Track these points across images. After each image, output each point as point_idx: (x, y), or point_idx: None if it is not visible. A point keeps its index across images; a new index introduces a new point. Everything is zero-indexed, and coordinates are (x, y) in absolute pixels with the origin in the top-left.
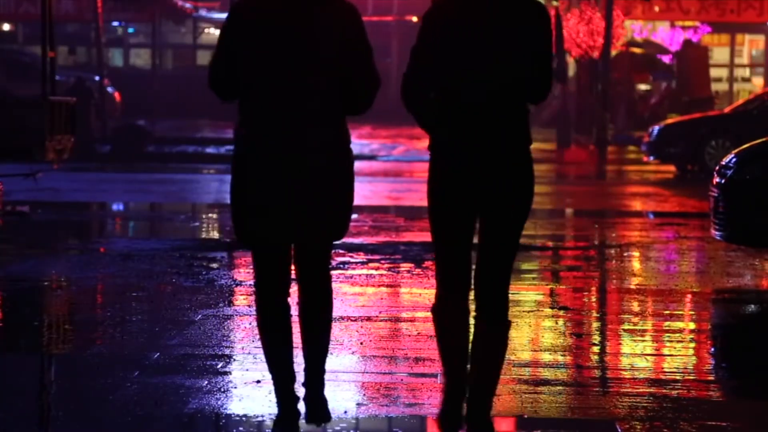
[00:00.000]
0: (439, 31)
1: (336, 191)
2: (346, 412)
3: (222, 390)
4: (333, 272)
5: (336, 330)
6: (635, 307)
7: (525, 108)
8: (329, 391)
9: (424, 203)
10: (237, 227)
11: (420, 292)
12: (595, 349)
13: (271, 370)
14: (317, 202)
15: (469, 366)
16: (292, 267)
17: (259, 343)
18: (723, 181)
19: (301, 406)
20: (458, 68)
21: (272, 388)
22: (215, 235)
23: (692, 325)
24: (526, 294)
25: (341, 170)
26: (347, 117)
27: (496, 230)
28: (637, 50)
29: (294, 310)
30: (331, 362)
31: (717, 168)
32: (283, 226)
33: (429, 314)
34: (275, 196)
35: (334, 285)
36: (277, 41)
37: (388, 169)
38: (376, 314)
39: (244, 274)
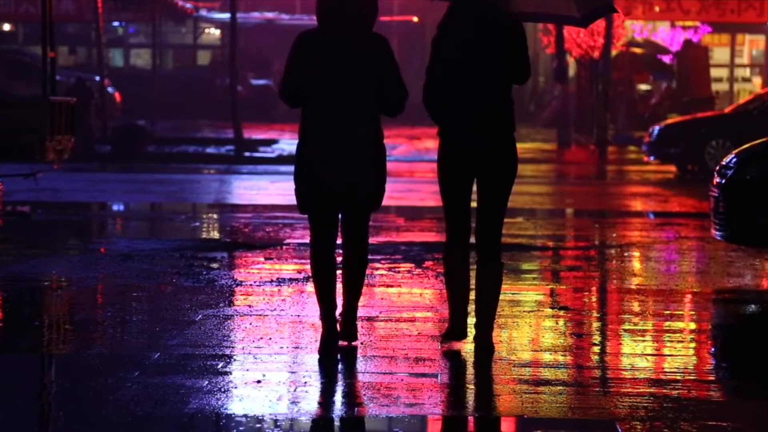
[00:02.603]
0: (444, 52)
1: (373, 171)
2: (346, 412)
3: (222, 390)
4: None
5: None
6: (635, 307)
7: (510, 100)
8: (329, 390)
9: (425, 203)
10: (298, 199)
11: (420, 292)
12: (596, 349)
13: (321, 303)
14: (359, 180)
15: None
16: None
17: (259, 343)
18: (723, 181)
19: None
20: (460, 78)
21: (272, 387)
22: (215, 235)
23: (692, 325)
24: (527, 294)
25: (377, 156)
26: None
27: (489, 191)
28: (637, 50)
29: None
30: (332, 363)
31: (717, 168)
32: (334, 198)
33: (429, 314)
34: (328, 175)
35: None
36: (331, 64)
37: (388, 170)
38: (376, 314)
39: (245, 274)
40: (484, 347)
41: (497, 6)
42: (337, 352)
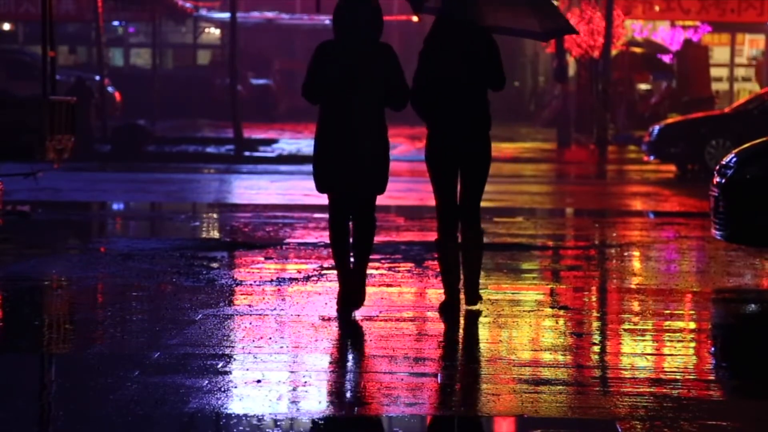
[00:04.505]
0: (430, 62)
1: (378, 159)
2: (346, 411)
3: (222, 389)
4: (332, 272)
5: (336, 330)
6: (635, 306)
7: (486, 101)
8: (329, 390)
9: (425, 203)
10: (316, 181)
11: (420, 292)
12: (596, 348)
13: (337, 266)
14: (366, 167)
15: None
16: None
17: (259, 343)
18: (723, 180)
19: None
20: (449, 88)
21: (272, 387)
22: (215, 234)
23: (692, 325)
24: (527, 294)
25: (382, 146)
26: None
27: (473, 179)
28: (637, 50)
29: None
30: (332, 362)
31: (717, 168)
32: (345, 181)
33: (429, 314)
34: (340, 162)
35: (333, 285)
36: (345, 68)
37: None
38: (376, 314)
39: (245, 273)
40: (471, 301)
41: (475, 22)
42: (353, 307)
